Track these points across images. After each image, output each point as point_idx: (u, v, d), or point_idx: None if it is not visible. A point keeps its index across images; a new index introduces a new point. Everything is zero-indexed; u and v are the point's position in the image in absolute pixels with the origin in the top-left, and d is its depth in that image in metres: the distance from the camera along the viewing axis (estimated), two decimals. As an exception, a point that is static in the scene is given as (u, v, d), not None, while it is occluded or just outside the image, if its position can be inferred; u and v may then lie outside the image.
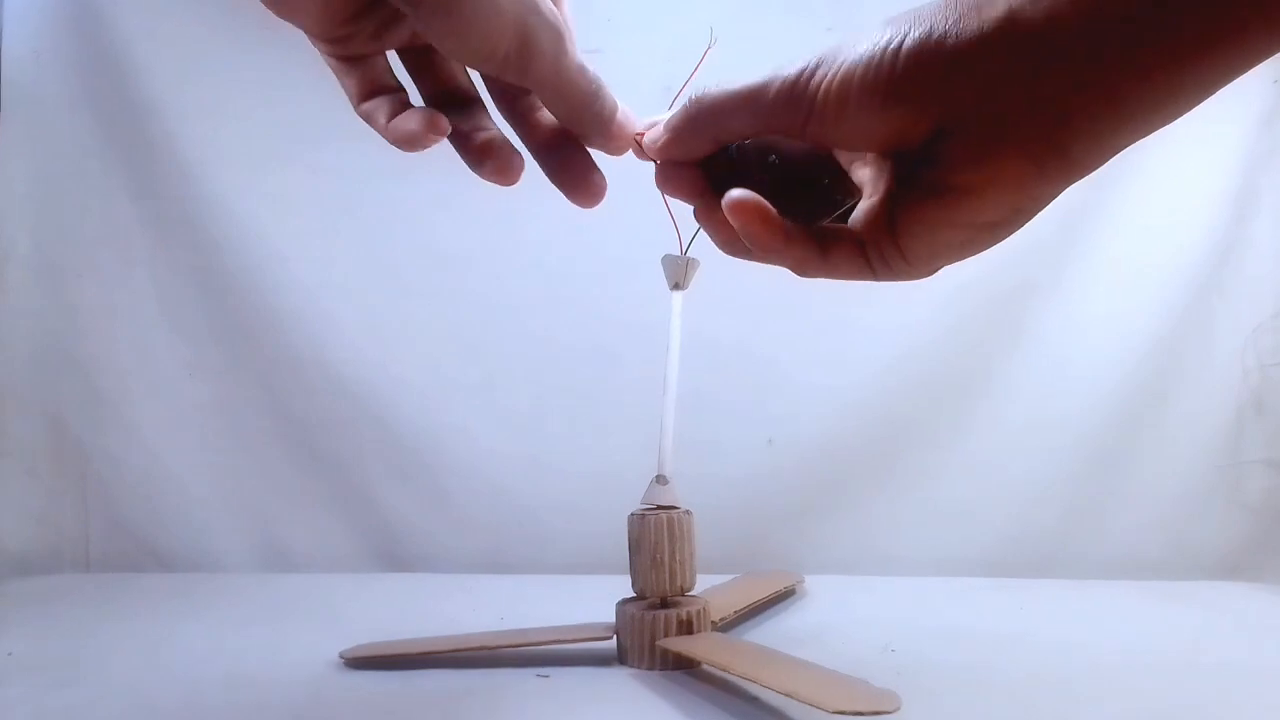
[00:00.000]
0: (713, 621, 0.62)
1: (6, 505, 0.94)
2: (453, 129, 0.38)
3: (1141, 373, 0.95)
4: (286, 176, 0.97)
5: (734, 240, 0.36)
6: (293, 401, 0.97)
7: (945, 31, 0.29)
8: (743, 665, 0.54)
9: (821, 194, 0.36)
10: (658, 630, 0.59)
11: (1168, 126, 0.29)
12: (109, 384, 0.96)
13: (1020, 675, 0.59)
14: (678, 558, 0.59)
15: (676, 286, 0.58)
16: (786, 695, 0.48)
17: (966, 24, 0.29)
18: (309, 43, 0.38)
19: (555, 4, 0.35)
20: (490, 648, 0.60)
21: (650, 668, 0.59)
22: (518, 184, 0.39)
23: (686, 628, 0.59)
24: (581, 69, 0.36)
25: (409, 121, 0.38)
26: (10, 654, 0.64)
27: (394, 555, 0.97)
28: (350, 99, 0.40)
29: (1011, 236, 0.33)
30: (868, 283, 0.36)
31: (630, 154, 0.39)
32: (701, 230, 0.38)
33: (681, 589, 0.60)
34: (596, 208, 0.40)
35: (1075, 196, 0.31)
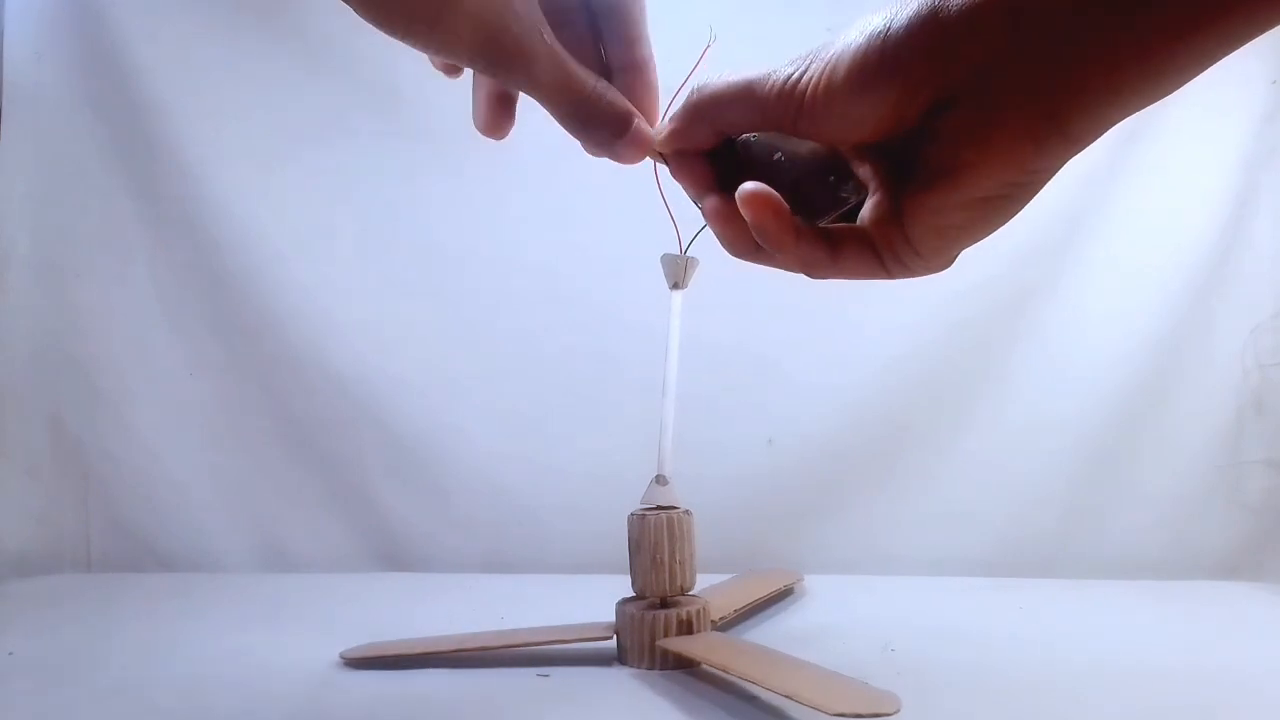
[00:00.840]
0: (712, 621, 0.62)
1: (6, 505, 0.94)
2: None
3: (1141, 373, 0.95)
4: (286, 176, 0.97)
5: (742, 239, 0.36)
6: (293, 401, 0.97)
7: (940, 4, 0.29)
8: (742, 665, 0.54)
9: (828, 192, 0.36)
10: (657, 630, 0.59)
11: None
12: (109, 384, 0.96)
13: (1020, 675, 0.59)
14: (677, 558, 0.59)
15: (676, 286, 0.58)
16: (787, 696, 0.48)
17: None
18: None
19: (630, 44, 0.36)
20: (490, 648, 0.60)
21: (650, 667, 0.59)
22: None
23: (686, 628, 0.59)
24: (581, 69, 0.36)
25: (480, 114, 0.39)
26: (10, 654, 0.64)
27: (394, 555, 0.97)
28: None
29: (1011, 237, 0.33)
30: (877, 282, 0.36)
31: None
32: (703, 231, 0.38)
33: (681, 589, 0.60)
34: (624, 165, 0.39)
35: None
